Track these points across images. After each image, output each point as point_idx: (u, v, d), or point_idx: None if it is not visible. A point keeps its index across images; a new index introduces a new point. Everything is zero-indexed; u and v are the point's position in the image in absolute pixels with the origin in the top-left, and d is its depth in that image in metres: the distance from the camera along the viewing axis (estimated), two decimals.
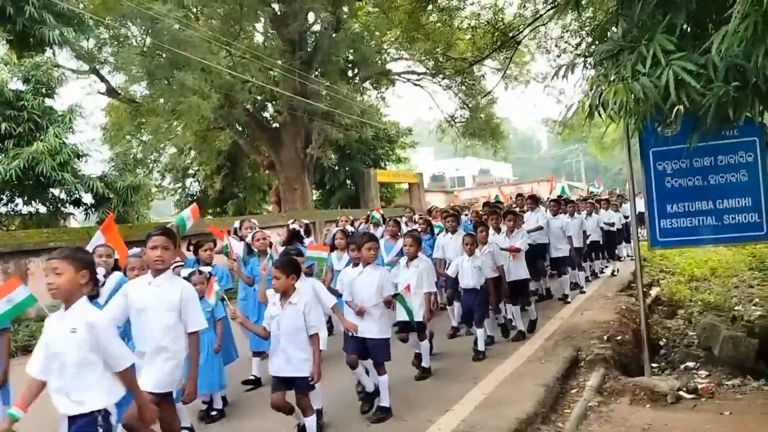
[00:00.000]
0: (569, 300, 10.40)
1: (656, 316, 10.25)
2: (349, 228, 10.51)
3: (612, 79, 4.24)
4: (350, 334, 5.61)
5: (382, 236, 9.33)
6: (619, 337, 7.91)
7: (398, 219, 10.33)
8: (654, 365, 7.30)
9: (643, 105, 4.08)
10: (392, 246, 8.58)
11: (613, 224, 13.92)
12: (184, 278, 5.15)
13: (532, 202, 11.02)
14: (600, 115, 4.39)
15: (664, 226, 6.49)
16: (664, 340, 9.06)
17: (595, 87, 4.29)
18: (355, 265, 6.04)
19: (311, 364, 4.67)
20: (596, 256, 13.32)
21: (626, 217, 15.61)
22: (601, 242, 13.18)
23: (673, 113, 3.98)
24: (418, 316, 6.40)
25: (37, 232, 12.13)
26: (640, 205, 9.47)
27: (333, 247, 8.26)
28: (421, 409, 5.57)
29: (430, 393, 6.05)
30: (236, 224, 8.86)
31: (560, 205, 11.34)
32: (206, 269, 5.98)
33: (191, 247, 6.80)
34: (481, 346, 7.21)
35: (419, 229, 9.89)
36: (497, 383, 6.16)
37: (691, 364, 7.52)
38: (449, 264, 7.92)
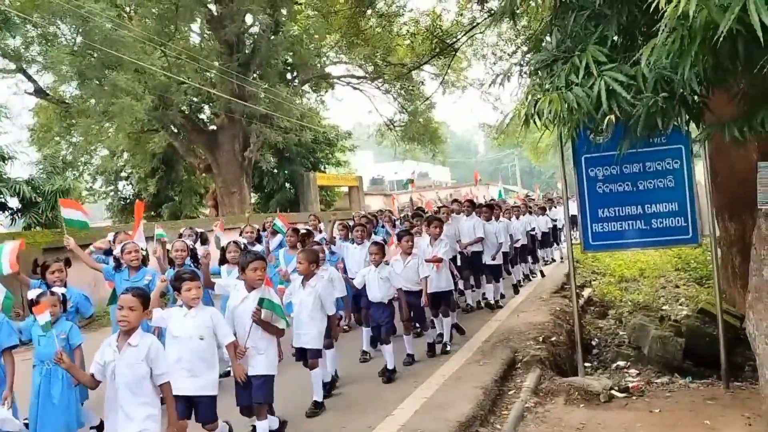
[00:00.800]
0: (501, 305, 10.41)
1: (589, 317, 10.57)
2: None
3: (547, 88, 4.34)
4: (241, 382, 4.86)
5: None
6: (553, 338, 8.11)
7: (300, 227, 9.33)
8: (587, 365, 7.51)
9: (577, 114, 4.19)
10: (292, 258, 7.56)
11: (533, 229, 14.15)
12: (31, 300, 4.86)
13: (469, 206, 10.76)
14: (535, 123, 4.49)
15: (596, 230, 6.68)
16: (597, 339, 9.35)
17: (530, 96, 4.39)
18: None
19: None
20: (524, 260, 13.36)
21: (554, 220, 16.37)
22: (527, 246, 13.42)
23: (605, 122, 4.11)
24: (313, 343, 5.72)
25: None
26: (573, 209, 9.79)
27: (223, 260, 7.35)
28: (361, 415, 5.57)
29: (370, 397, 6.05)
30: (110, 236, 7.77)
31: (493, 210, 11.10)
32: (59, 290, 5.15)
33: (38, 269, 5.78)
34: (390, 364, 6.64)
35: (336, 237, 9.39)
36: (437, 386, 6.22)
37: (622, 363, 7.77)
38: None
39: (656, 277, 13.40)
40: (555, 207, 17.60)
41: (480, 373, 6.56)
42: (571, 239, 7.56)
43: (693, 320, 8.00)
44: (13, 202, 13.97)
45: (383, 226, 11.03)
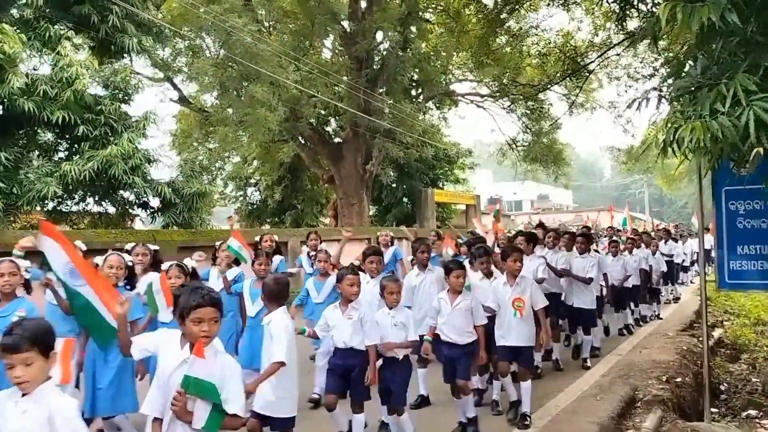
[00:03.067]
0: (588, 365, 8.25)
1: (718, 359, 9.90)
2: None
3: (689, 115, 4.15)
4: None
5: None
6: (678, 379, 7.65)
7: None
8: (714, 411, 7.04)
9: (721, 144, 3.98)
10: (321, 284, 6.93)
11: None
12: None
13: (584, 242, 8.56)
14: (674, 151, 4.30)
15: (734, 268, 6.29)
16: (726, 384, 8.74)
17: (670, 123, 4.20)
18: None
19: None
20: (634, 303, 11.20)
21: (669, 257, 14.23)
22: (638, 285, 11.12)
23: (752, 154, 3.87)
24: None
25: (105, 231, 12.60)
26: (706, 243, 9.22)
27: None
28: None
29: (481, 426, 5.93)
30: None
31: (590, 240, 9.11)
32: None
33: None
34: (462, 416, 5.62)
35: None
36: (550, 418, 6.04)
37: (753, 412, 7.24)
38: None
39: None
40: (675, 241, 16.04)
41: (596, 408, 6.30)
42: (705, 274, 7.12)
43: None
44: (155, 202, 15.04)
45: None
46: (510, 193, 63.84)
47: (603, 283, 9.43)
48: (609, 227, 15.01)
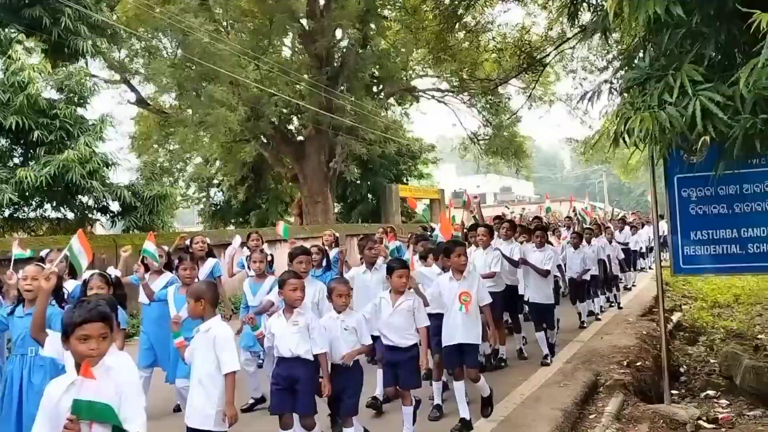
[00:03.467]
0: (548, 362, 7.88)
1: (677, 342, 10.16)
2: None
3: (638, 107, 4.28)
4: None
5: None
6: (639, 363, 7.85)
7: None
8: (674, 393, 7.24)
9: (669, 134, 4.11)
10: (258, 286, 6.52)
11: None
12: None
13: (542, 235, 8.38)
14: (625, 142, 4.42)
15: (688, 253, 6.48)
16: (685, 367, 8.98)
17: (621, 114, 4.33)
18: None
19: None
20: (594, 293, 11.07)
21: (624, 244, 14.61)
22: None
23: (699, 143, 4.01)
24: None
25: (65, 237, 12.35)
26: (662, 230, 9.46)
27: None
28: None
29: (444, 416, 6.01)
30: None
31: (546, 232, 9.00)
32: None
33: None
34: None
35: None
36: (514, 406, 6.15)
37: (711, 392, 7.45)
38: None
39: (752, 304, 12.71)
40: (631, 229, 16.48)
41: (560, 394, 6.44)
42: (661, 261, 7.32)
43: None
44: (114, 206, 14.79)
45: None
46: (473, 187, 64.31)
47: (558, 275, 9.30)
48: (567, 217, 15.19)
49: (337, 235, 10.41)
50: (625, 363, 7.67)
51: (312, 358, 4.59)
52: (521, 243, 8.43)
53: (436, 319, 5.76)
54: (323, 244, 9.20)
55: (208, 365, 3.92)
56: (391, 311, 5.26)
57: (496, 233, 8.26)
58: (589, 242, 10.94)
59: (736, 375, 7.38)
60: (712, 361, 8.93)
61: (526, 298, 8.26)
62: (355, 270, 6.96)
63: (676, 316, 11.80)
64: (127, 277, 6.29)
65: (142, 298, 6.23)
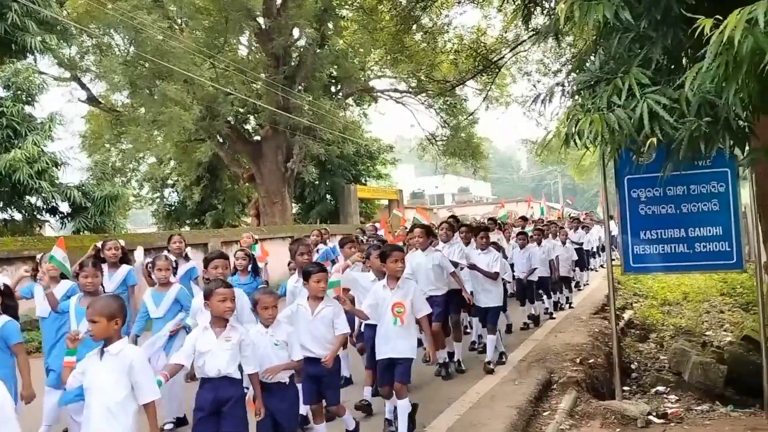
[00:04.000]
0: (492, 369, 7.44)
1: (629, 340, 10.40)
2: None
3: (588, 108, 4.34)
4: None
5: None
6: (591, 360, 8.00)
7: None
8: (625, 389, 7.40)
9: (618, 135, 4.18)
10: (161, 295, 5.93)
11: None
12: None
13: (485, 236, 7.91)
14: (575, 143, 4.49)
15: (637, 252, 6.61)
16: (636, 363, 9.20)
17: (571, 116, 4.39)
18: None
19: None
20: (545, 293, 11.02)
21: (579, 245, 14.47)
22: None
23: (647, 144, 4.09)
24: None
25: (11, 239, 11.98)
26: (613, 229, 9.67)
27: None
28: None
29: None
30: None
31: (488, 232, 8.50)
32: None
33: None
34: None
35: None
36: (470, 405, 6.19)
37: (661, 388, 7.64)
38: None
39: (700, 302, 13.10)
40: (585, 229, 16.34)
41: (514, 392, 6.51)
42: (612, 260, 7.47)
43: (736, 347, 7.84)
44: (64, 207, 14.44)
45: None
46: (432, 187, 64.85)
47: (506, 278, 8.54)
48: (521, 217, 15.22)
49: (326, 230, 10.20)
50: (578, 360, 7.80)
51: (239, 377, 4.14)
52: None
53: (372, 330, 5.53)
54: (312, 244, 8.30)
55: (119, 392, 3.49)
56: (311, 319, 4.92)
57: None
58: (539, 243, 10.70)
59: (684, 371, 7.59)
60: (661, 357, 9.17)
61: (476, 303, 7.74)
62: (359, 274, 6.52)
63: (627, 314, 12.06)
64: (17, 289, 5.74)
65: (40, 311, 5.74)
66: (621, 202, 6.60)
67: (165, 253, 6.62)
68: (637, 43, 4.59)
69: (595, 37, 5.23)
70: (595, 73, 4.69)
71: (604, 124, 4.04)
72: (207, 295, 4.20)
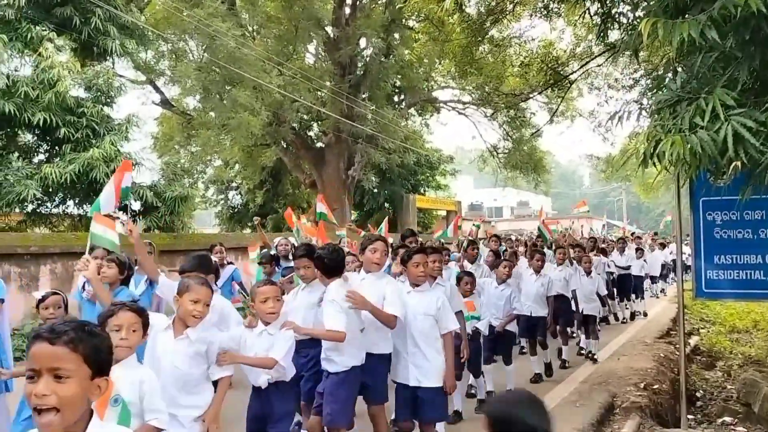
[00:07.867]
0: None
1: (694, 367, 10.06)
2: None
3: (669, 129, 4.25)
4: None
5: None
6: (656, 386, 7.78)
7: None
8: (690, 417, 7.16)
9: (700, 158, 4.08)
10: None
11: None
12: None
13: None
14: (654, 164, 4.40)
15: (711, 277, 6.41)
16: (702, 391, 8.89)
17: (652, 136, 4.30)
18: None
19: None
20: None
21: (610, 273, 12.38)
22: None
23: (730, 168, 3.98)
24: None
25: (85, 234, 12.46)
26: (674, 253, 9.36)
27: None
28: None
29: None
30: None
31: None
32: None
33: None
34: None
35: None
36: None
37: (728, 419, 7.37)
38: None
39: None
40: (636, 251, 14.10)
41: (576, 414, 6.39)
42: (682, 283, 7.26)
43: None
44: (136, 205, 14.91)
45: None
46: (491, 200, 64.25)
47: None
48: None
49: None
50: (641, 385, 7.60)
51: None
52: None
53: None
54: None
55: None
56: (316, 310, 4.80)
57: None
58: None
59: (754, 402, 7.29)
60: (729, 387, 8.83)
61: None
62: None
63: (693, 340, 11.68)
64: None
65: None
66: (695, 225, 6.41)
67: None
68: (722, 63, 4.48)
69: (675, 55, 5.11)
70: (676, 93, 4.58)
71: (686, 146, 3.95)
72: (180, 290, 3.68)
